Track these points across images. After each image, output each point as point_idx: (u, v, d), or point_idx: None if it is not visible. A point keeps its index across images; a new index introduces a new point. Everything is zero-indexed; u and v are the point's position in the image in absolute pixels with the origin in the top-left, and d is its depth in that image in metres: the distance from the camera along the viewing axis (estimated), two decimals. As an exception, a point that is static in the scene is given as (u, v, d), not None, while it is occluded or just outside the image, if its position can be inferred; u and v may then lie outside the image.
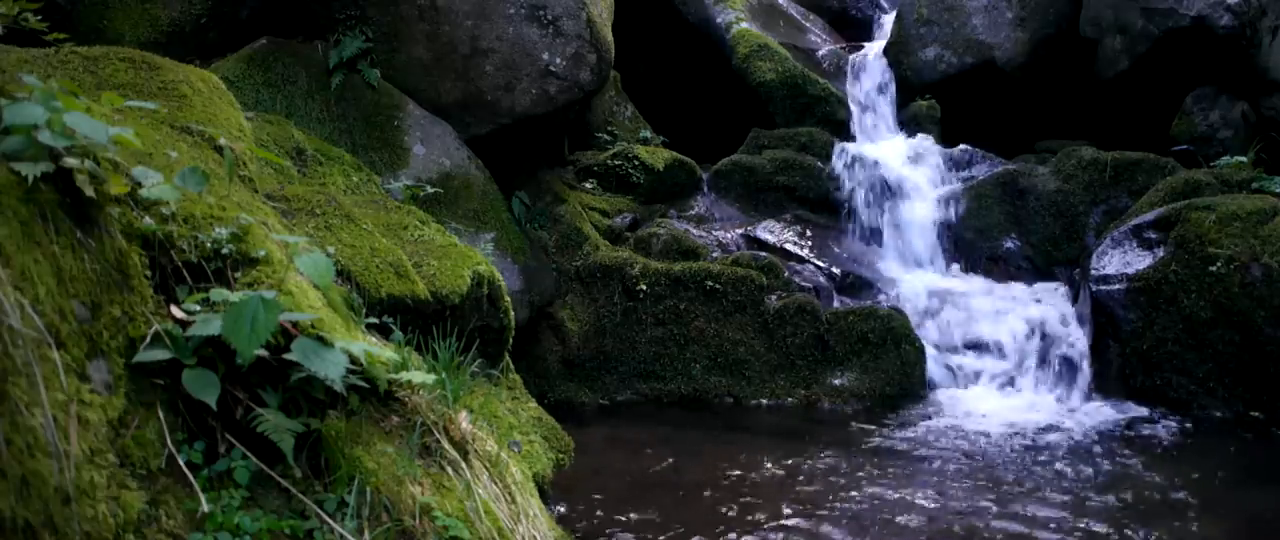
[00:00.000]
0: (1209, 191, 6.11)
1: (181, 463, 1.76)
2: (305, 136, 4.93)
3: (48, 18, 3.06)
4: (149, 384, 1.78)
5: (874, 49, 8.91)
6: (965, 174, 7.57)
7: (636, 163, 7.42)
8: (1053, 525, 3.93)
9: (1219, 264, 5.42)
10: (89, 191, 1.74)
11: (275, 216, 2.66)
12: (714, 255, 6.65)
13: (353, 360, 2.01)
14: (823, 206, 7.45)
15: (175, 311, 1.90)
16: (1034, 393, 5.98)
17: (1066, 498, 4.24)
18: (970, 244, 7.17)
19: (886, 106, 8.53)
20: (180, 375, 1.80)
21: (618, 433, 5.54)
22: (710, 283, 6.29)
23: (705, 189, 7.55)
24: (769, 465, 4.72)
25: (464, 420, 2.31)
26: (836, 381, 6.08)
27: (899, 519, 4.03)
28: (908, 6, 8.54)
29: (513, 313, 4.32)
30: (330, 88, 5.73)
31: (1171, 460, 4.75)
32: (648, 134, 8.23)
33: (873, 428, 5.44)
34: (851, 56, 8.89)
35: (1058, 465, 4.70)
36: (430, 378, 2.21)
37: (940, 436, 5.24)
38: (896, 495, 4.31)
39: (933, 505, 4.18)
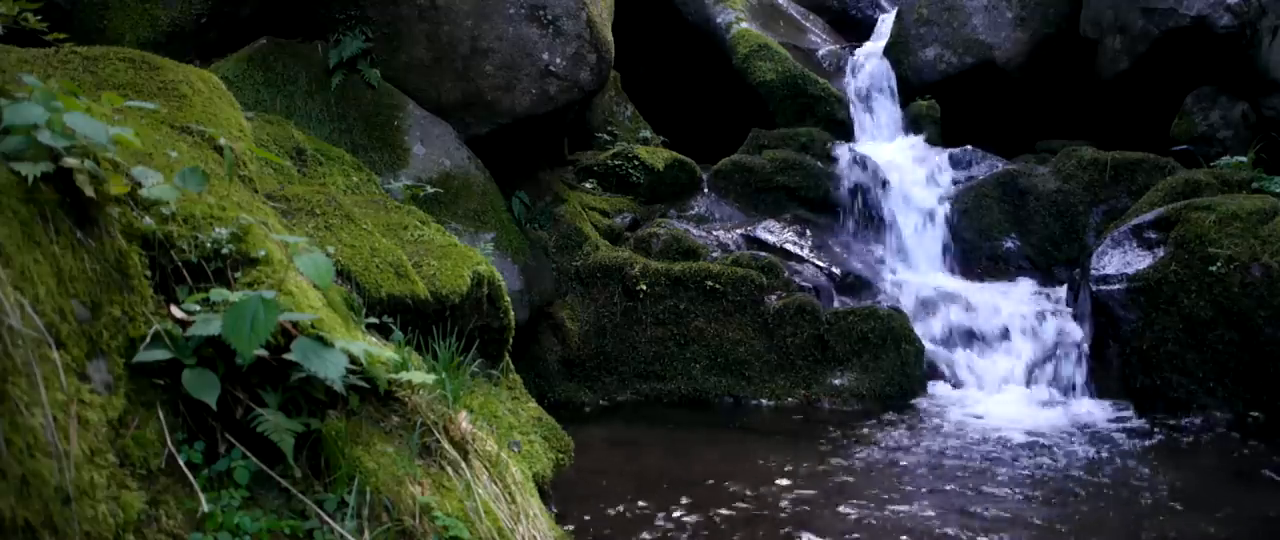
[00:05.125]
0: (1209, 191, 6.11)
1: (181, 463, 1.76)
2: (305, 136, 4.93)
3: (48, 18, 3.06)
4: (149, 384, 1.78)
5: (874, 49, 8.90)
6: (965, 174, 7.57)
7: (636, 163, 7.42)
8: (1052, 525, 3.93)
9: (1219, 264, 5.42)
10: (89, 191, 1.74)
11: (275, 216, 2.66)
12: (714, 255, 6.65)
13: (353, 360, 2.01)
14: (823, 206, 7.45)
15: (175, 311, 1.90)
16: (1034, 393, 5.98)
17: (1066, 497, 4.24)
18: (970, 244, 7.17)
19: (887, 106, 8.53)
20: (180, 375, 1.80)
21: (618, 433, 5.54)
22: (710, 283, 6.29)
23: (705, 189, 7.55)
24: (769, 465, 4.72)
25: (464, 420, 2.31)
26: (836, 381, 6.08)
27: (899, 519, 4.03)
28: (908, 6, 8.54)
29: (513, 313, 4.32)
30: (330, 88, 5.73)
31: (1171, 460, 4.75)
32: (648, 134, 8.23)
33: (873, 428, 5.44)
34: (851, 56, 8.89)
35: (1057, 465, 4.70)
36: (430, 378, 2.21)
37: (940, 436, 5.24)
38: (896, 496, 4.31)
39: (933, 505, 4.18)
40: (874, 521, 4.00)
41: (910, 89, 8.45)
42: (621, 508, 4.16)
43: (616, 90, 8.51)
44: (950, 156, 7.72)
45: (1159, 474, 4.54)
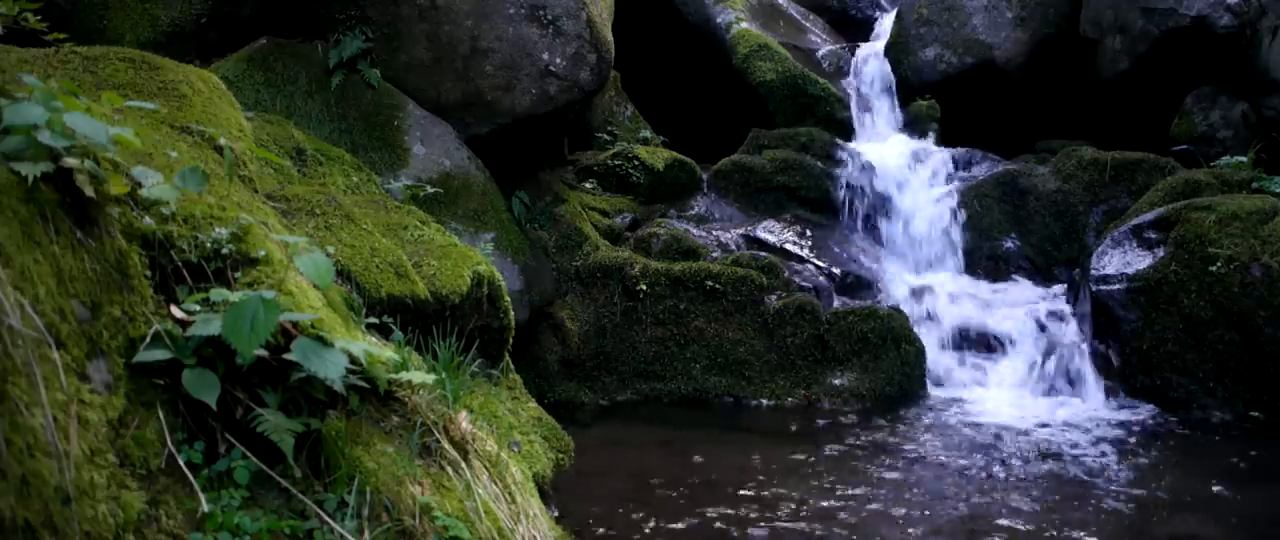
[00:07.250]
0: (1209, 191, 6.11)
1: (181, 463, 1.76)
2: (305, 136, 4.93)
3: (48, 18, 3.06)
4: (149, 384, 1.78)
5: (874, 49, 8.90)
6: (965, 174, 7.58)
7: (636, 163, 7.42)
8: (1052, 526, 3.93)
9: (1219, 264, 5.42)
10: (89, 191, 1.74)
11: (275, 216, 2.66)
12: (714, 255, 6.65)
13: (353, 360, 2.01)
14: (823, 206, 7.44)
15: (175, 311, 1.90)
16: (1033, 393, 5.98)
17: (1066, 498, 4.24)
18: (970, 244, 7.17)
19: (887, 106, 8.53)
20: (180, 375, 1.80)
21: (618, 433, 5.54)
22: (710, 283, 6.29)
23: (705, 189, 7.55)
24: (769, 466, 4.72)
25: (464, 420, 2.31)
26: (836, 381, 6.08)
27: (899, 520, 4.03)
28: (908, 6, 8.54)
29: (513, 313, 4.32)
30: (330, 88, 5.73)
31: (1171, 460, 4.75)
32: (648, 134, 8.23)
33: (873, 428, 5.44)
34: (851, 56, 8.89)
35: (1056, 465, 4.69)
36: (430, 378, 2.21)
37: (940, 437, 5.24)
38: (896, 496, 4.31)
39: (932, 506, 4.18)
40: (874, 522, 4.00)
41: (910, 89, 8.44)
42: (621, 508, 4.16)
43: (616, 90, 8.50)
44: (950, 156, 7.72)
45: (1159, 474, 4.54)
